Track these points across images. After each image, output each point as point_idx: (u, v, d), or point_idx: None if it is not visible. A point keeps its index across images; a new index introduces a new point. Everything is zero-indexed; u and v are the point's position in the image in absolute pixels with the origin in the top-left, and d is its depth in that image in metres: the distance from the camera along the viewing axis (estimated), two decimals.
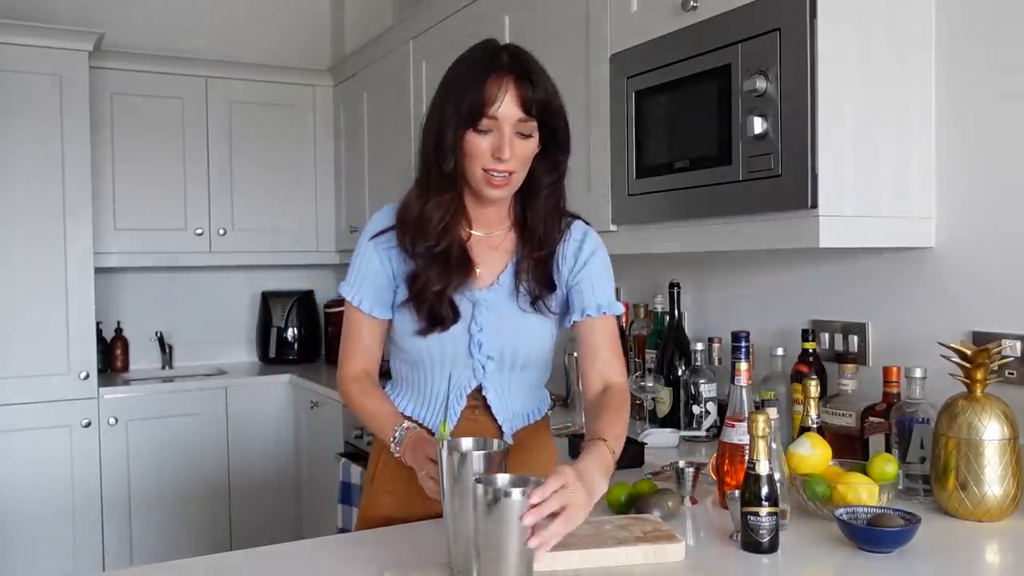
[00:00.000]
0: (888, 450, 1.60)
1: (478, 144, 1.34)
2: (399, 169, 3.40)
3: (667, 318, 2.32)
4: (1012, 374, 1.62)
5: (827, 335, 2.01)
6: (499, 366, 1.47)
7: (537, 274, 1.45)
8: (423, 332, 1.43)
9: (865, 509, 1.33)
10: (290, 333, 4.05)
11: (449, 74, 1.41)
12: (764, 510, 1.25)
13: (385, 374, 1.57)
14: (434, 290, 1.40)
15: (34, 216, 3.21)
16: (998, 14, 1.66)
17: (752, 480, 1.26)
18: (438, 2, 3.02)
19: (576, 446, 1.98)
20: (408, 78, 3.30)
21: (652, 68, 1.94)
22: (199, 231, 3.77)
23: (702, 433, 2.09)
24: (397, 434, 1.40)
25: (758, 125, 1.66)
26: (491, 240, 1.48)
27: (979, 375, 1.44)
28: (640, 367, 2.38)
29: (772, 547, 1.26)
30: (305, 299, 4.13)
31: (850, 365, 1.76)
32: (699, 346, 2.15)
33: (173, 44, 3.90)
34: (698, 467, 1.58)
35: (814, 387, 1.62)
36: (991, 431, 1.41)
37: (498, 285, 1.46)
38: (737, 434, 1.47)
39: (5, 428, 3.17)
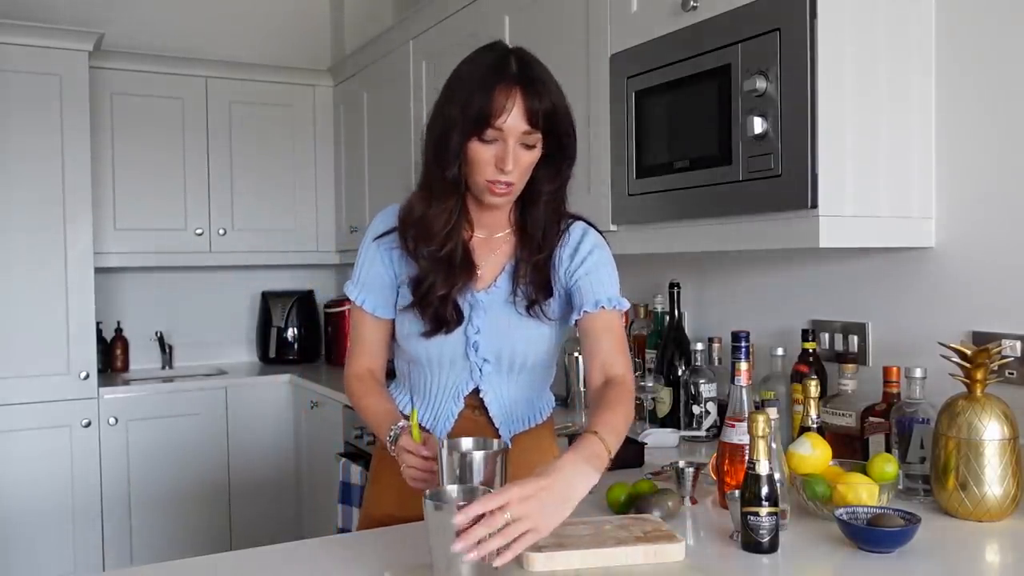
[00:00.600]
0: (888, 450, 1.60)
1: (482, 154, 1.33)
2: (399, 169, 3.41)
3: (667, 318, 2.32)
4: (1012, 374, 1.62)
5: (827, 335, 2.01)
6: (497, 368, 1.47)
7: (535, 278, 1.44)
8: (428, 335, 1.43)
9: (865, 509, 1.33)
10: (290, 333, 4.05)
11: (455, 77, 1.39)
12: (764, 510, 1.25)
13: (390, 373, 1.58)
14: (439, 294, 1.40)
15: (34, 216, 3.22)
16: (999, 14, 1.66)
17: (752, 480, 1.26)
18: (438, 2, 3.02)
19: None
20: (408, 78, 3.30)
21: (652, 68, 1.94)
22: (199, 231, 3.77)
23: (702, 433, 2.09)
24: (392, 433, 1.41)
25: (758, 125, 1.66)
26: (492, 242, 1.48)
27: (979, 375, 1.44)
28: (640, 367, 2.38)
29: (772, 547, 1.26)
30: (305, 299, 4.13)
31: (850, 365, 1.76)
32: (699, 346, 2.15)
33: (173, 44, 3.90)
34: (698, 467, 1.58)
35: (814, 387, 1.62)
36: (991, 431, 1.41)
37: (495, 287, 1.46)
38: (737, 434, 1.47)
39: (5, 428, 3.17)
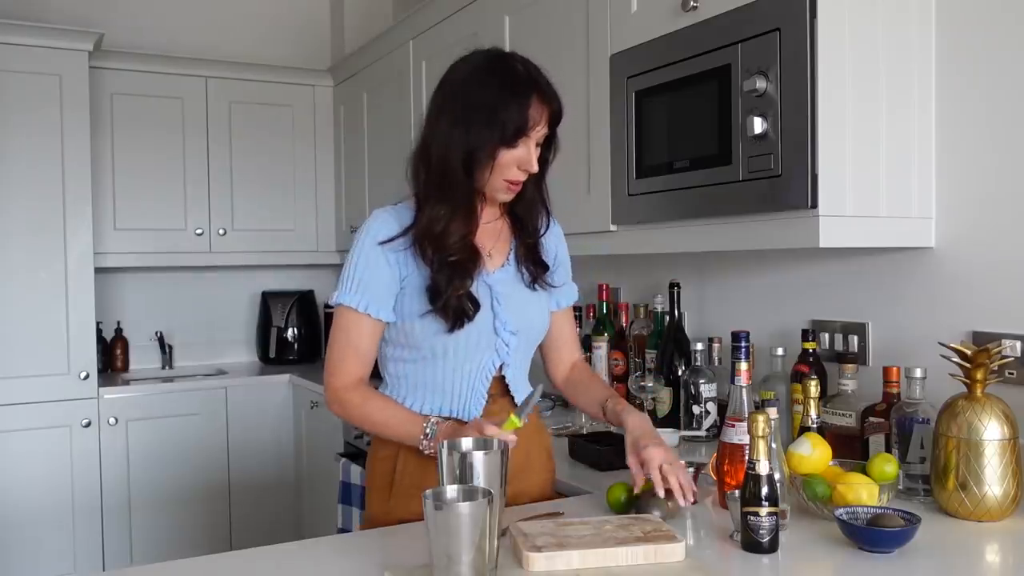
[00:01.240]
0: (888, 450, 1.60)
1: (507, 158, 1.43)
2: (399, 169, 3.38)
3: (667, 318, 2.32)
4: (1012, 374, 1.62)
5: (827, 335, 2.01)
6: (519, 341, 1.56)
7: (532, 256, 1.58)
8: (452, 329, 1.47)
9: (865, 509, 1.33)
10: (290, 333, 4.05)
11: (467, 90, 1.43)
12: (764, 510, 1.25)
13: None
14: (458, 294, 1.46)
15: (34, 216, 3.22)
16: (998, 15, 1.66)
17: (752, 480, 1.26)
18: (438, 2, 3.02)
19: (575, 446, 1.98)
20: (408, 78, 3.30)
21: (652, 68, 1.94)
22: (199, 231, 3.77)
23: (702, 433, 2.10)
24: (429, 429, 1.41)
25: (758, 125, 1.66)
26: (493, 227, 1.57)
27: (979, 375, 1.44)
28: (640, 367, 2.38)
29: (772, 547, 1.26)
30: (305, 299, 4.13)
31: (850, 365, 1.76)
32: (699, 346, 2.15)
33: (173, 44, 3.90)
34: (698, 467, 1.58)
35: (814, 387, 1.62)
36: (991, 431, 1.41)
37: (508, 265, 1.57)
38: (737, 434, 1.47)
39: (5, 428, 3.17)
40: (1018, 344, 1.63)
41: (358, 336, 1.51)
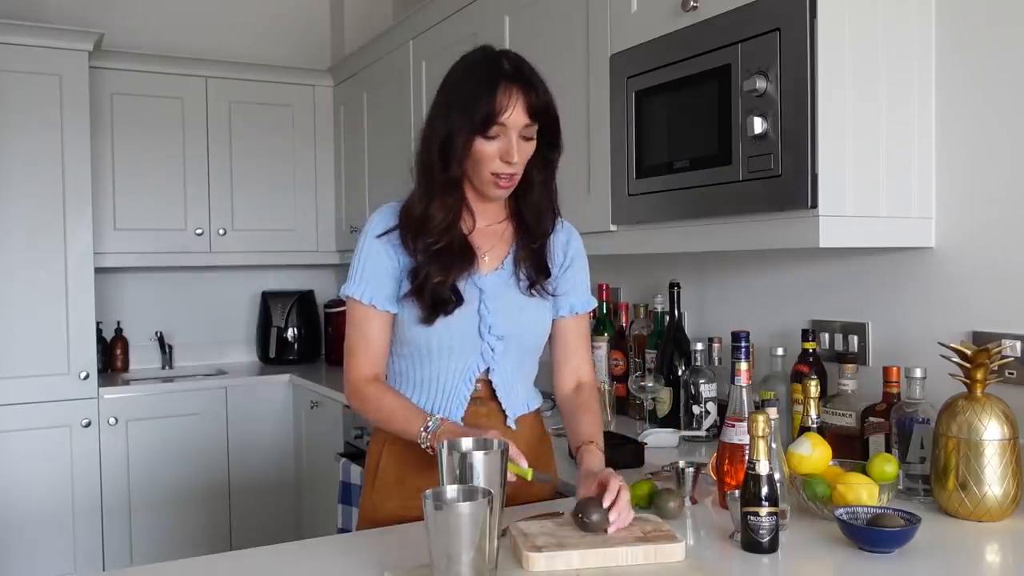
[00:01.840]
0: (888, 450, 1.60)
1: (486, 150, 1.42)
2: (399, 169, 3.40)
3: (667, 318, 2.32)
4: (1012, 374, 1.62)
5: (827, 335, 2.01)
6: (506, 347, 1.53)
7: (534, 261, 1.55)
8: (427, 319, 1.47)
9: (865, 509, 1.33)
10: (290, 333, 4.05)
11: (451, 83, 1.48)
12: (764, 510, 1.25)
13: None
14: (435, 281, 1.46)
15: (34, 216, 3.22)
16: (998, 14, 1.66)
17: (752, 480, 1.26)
18: (438, 2, 3.02)
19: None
20: (408, 78, 3.30)
21: (652, 68, 1.94)
22: (199, 231, 3.77)
23: (702, 433, 2.09)
24: (431, 423, 1.41)
25: (758, 125, 1.66)
26: (494, 231, 1.56)
27: (979, 375, 1.44)
28: (640, 367, 2.38)
29: (772, 547, 1.26)
30: (305, 299, 4.13)
31: (850, 365, 1.76)
32: (699, 346, 2.15)
33: (173, 44, 3.90)
34: (698, 467, 1.58)
35: (814, 387, 1.62)
36: (991, 431, 1.41)
37: (502, 269, 1.55)
38: (737, 434, 1.47)
39: (5, 428, 3.17)
40: (1018, 344, 1.63)
41: (368, 328, 1.52)
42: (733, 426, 1.49)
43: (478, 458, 1.21)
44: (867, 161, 1.66)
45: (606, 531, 1.27)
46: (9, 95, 3.18)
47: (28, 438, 3.20)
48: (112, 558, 3.33)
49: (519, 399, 1.58)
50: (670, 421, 2.21)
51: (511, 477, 1.31)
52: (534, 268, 1.55)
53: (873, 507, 1.35)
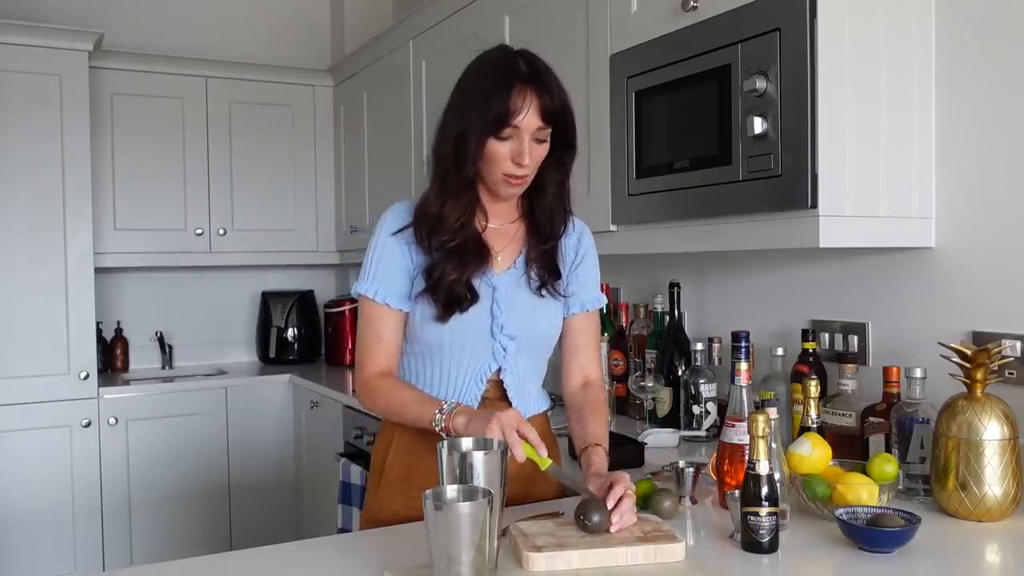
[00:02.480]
0: (888, 450, 1.60)
1: (499, 150, 1.43)
2: (399, 169, 3.41)
3: (667, 318, 2.32)
4: (1012, 374, 1.62)
5: (827, 335, 2.01)
6: (519, 347, 1.53)
7: (545, 262, 1.55)
8: (442, 317, 1.48)
9: (865, 509, 1.33)
10: (290, 333, 4.05)
11: (467, 82, 1.48)
12: (764, 510, 1.25)
13: None
14: (450, 278, 1.46)
15: (34, 216, 3.22)
16: (999, 15, 1.66)
17: (752, 480, 1.26)
18: (438, 2, 3.02)
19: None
20: (408, 78, 3.30)
21: (652, 68, 1.94)
22: (199, 231, 3.77)
23: (702, 433, 2.09)
24: (446, 406, 1.39)
25: (758, 125, 1.66)
26: (507, 230, 1.57)
27: (979, 375, 1.44)
28: (640, 367, 2.38)
29: (772, 547, 1.26)
30: (305, 299, 4.13)
31: (850, 365, 1.76)
32: (699, 346, 2.15)
33: (173, 44, 3.90)
34: (698, 467, 1.58)
35: (814, 387, 1.62)
36: (991, 431, 1.41)
37: (514, 269, 1.55)
38: (737, 434, 1.47)
39: (5, 428, 3.17)
40: (1018, 344, 1.63)
41: (381, 326, 1.52)
42: (733, 426, 1.49)
43: (478, 458, 1.21)
44: (867, 161, 1.66)
45: (608, 531, 1.27)
46: (9, 95, 3.18)
47: (28, 438, 3.20)
48: (112, 558, 3.33)
49: (530, 400, 1.57)
50: (670, 421, 2.21)
51: (520, 456, 1.29)
52: (545, 269, 1.55)
53: (873, 507, 1.35)
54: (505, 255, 1.55)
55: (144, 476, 3.41)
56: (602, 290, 1.68)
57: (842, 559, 1.26)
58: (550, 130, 1.44)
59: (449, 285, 1.46)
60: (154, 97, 3.67)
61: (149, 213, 3.66)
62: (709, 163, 1.79)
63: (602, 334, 2.49)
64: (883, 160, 1.69)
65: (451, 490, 1.15)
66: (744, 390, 1.50)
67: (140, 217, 3.65)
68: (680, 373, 2.22)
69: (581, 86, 2.21)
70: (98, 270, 3.41)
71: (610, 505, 1.28)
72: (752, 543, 1.26)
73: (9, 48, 3.17)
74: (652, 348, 2.35)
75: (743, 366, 1.51)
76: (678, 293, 2.30)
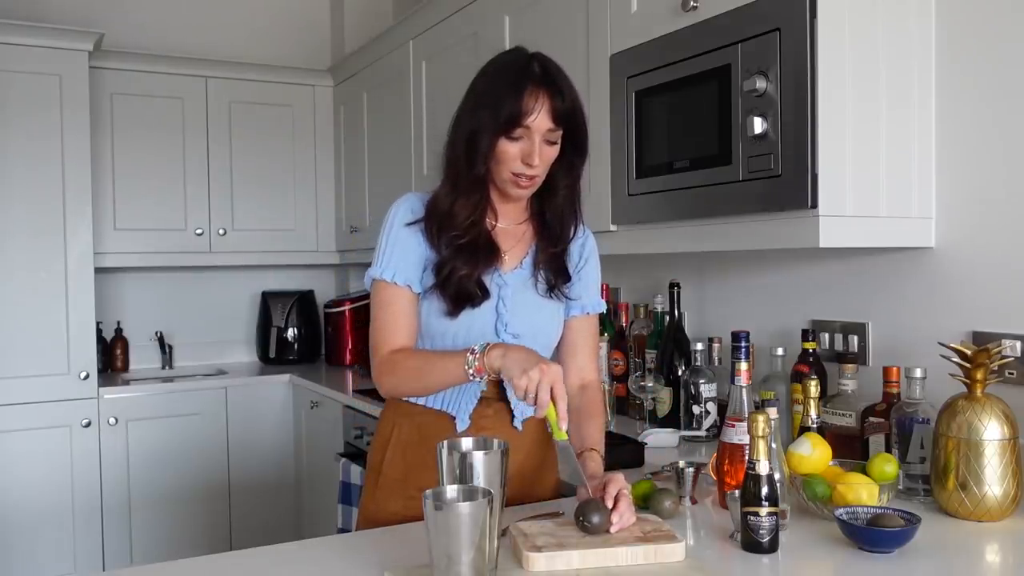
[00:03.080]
0: (888, 450, 1.60)
1: (509, 150, 1.44)
2: (399, 169, 3.41)
3: (667, 318, 2.32)
4: (1012, 374, 1.62)
5: (827, 335, 2.01)
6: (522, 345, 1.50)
7: (553, 265, 1.56)
8: (453, 312, 1.48)
9: (865, 509, 1.33)
10: (290, 333, 4.05)
11: (481, 81, 1.49)
12: (764, 510, 1.25)
13: None
14: (461, 274, 1.47)
15: (34, 216, 3.22)
16: (999, 15, 1.66)
17: (752, 480, 1.26)
18: (438, 2, 3.02)
19: None
20: (408, 78, 3.30)
21: (652, 68, 1.94)
22: (199, 231, 3.77)
23: (702, 433, 2.09)
24: (478, 346, 1.36)
25: (758, 125, 1.66)
26: (515, 230, 1.58)
27: (979, 375, 1.44)
28: (640, 367, 2.38)
29: (772, 547, 1.26)
30: (305, 299, 4.13)
31: (850, 365, 1.76)
32: (699, 346, 2.15)
33: (173, 44, 3.90)
34: (698, 467, 1.58)
35: (814, 387, 1.62)
36: (991, 431, 1.41)
37: (521, 269, 1.56)
38: (737, 434, 1.47)
39: (5, 428, 3.17)
40: (1018, 344, 1.63)
41: (397, 307, 1.50)
42: (733, 426, 1.49)
43: (478, 458, 1.21)
44: (867, 161, 1.66)
45: (608, 532, 1.27)
46: (9, 95, 3.18)
47: (28, 438, 3.20)
48: (112, 558, 3.33)
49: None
50: (670, 421, 2.21)
51: (541, 412, 1.29)
52: (554, 272, 1.55)
53: (873, 507, 1.35)
54: (512, 255, 1.56)
55: (144, 476, 3.41)
56: (602, 290, 1.69)
57: (842, 559, 1.26)
58: (561, 132, 1.46)
59: (459, 281, 1.46)
60: (154, 97, 3.67)
61: (149, 213, 3.66)
62: (709, 163, 1.79)
63: (602, 334, 2.49)
64: (883, 160, 1.69)
65: (451, 490, 1.15)
66: (744, 390, 1.50)
67: (140, 217, 3.65)
68: (680, 373, 2.22)
69: (581, 86, 2.19)
70: (98, 270, 3.41)
71: (608, 503, 1.28)
72: (752, 543, 1.26)
73: (9, 48, 3.17)
74: (652, 348, 2.35)
75: (743, 366, 1.51)
76: (678, 293, 2.30)
